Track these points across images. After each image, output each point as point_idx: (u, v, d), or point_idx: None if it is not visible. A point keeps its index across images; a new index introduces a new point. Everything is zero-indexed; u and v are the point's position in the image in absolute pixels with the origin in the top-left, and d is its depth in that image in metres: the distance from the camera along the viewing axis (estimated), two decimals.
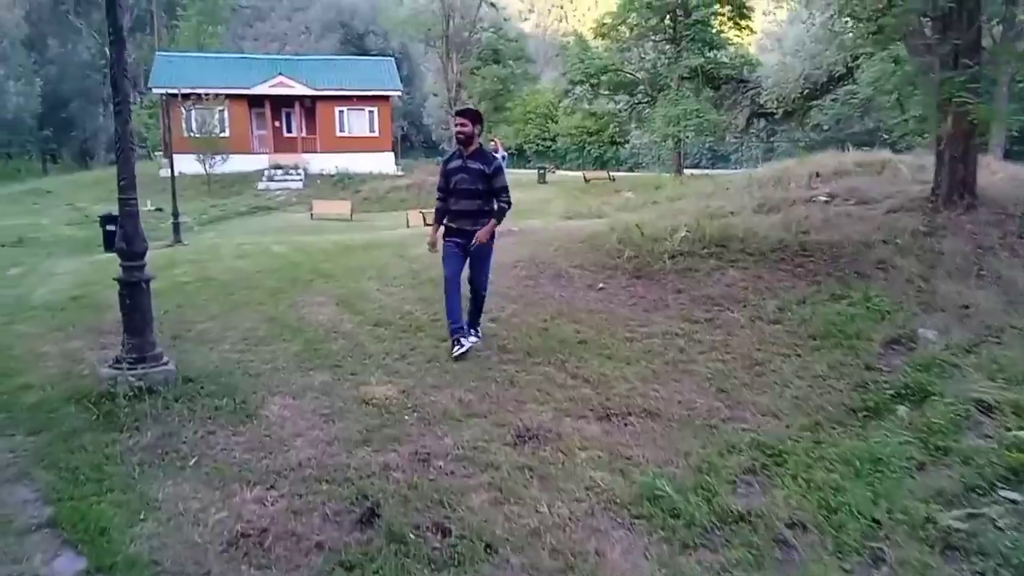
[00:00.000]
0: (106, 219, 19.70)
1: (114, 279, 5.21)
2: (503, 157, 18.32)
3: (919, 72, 8.41)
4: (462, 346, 5.66)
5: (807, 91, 29.98)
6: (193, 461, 3.86)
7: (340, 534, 3.13)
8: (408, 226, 23.86)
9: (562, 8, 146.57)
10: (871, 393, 4.77)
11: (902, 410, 4.39)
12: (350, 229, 24.86)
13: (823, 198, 8.67)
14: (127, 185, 5.21)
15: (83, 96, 55.87)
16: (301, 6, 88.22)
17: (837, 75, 30.08)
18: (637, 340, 5.91)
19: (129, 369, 5.00)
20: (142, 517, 3.27)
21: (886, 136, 28.30)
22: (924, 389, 4.62)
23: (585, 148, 54.56)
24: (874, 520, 3.15)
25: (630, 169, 48.55)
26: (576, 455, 3.93)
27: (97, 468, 3.76)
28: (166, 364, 5.24)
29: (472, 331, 5.97)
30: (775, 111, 30.60)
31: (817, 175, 13.06)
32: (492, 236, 5.88)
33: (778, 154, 46.66)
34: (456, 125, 5.95)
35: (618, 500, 3.44)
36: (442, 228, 5.97)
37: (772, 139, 41.58)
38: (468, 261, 5.89)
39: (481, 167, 5.78)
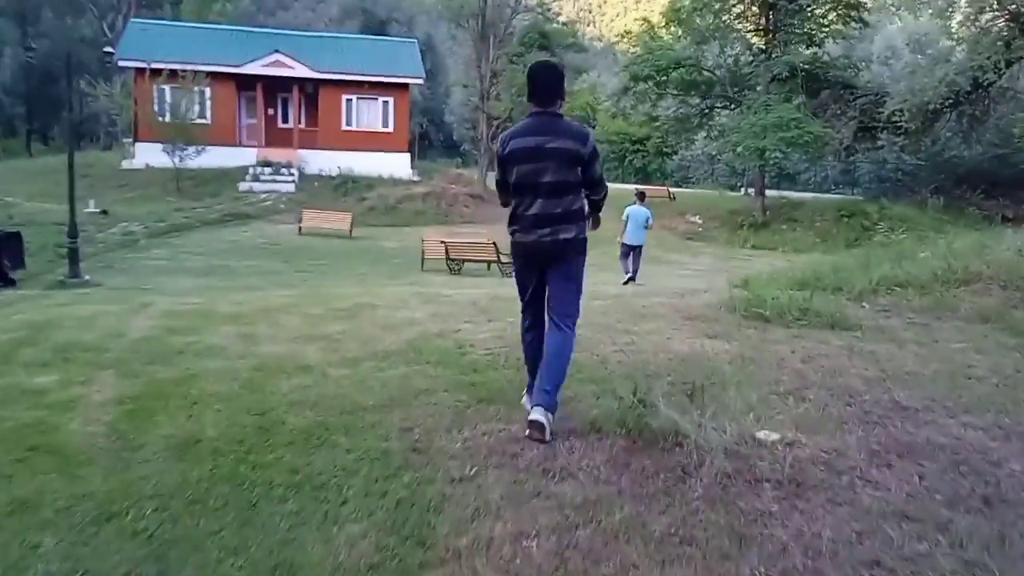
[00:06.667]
0: None
1: None
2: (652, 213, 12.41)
3: None
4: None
5: (950, 101, 23.14)
6: None
7: None
8: (423, 263, 17.05)
9: (590, 12, 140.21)
10: None
11: None
12: (343, 256, 18.16)
13: None
14: None
15: (79, 73, 49.88)
16: None
17: (986, 83, 23.37)
18: None
19: None
20: None
21: None
22: None
23: (626, 158, 47.83)
24: None
25: (676, 184, 42.01)
26: None
27: None
28: None
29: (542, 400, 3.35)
30: (903, 124, 23.64)
31: None
32: (583, 249, 3.52)
33: (858, 176, 39.86)
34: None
35: None
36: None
37: (851, 159, 34.78)
38: (549, 285, 3.53)
39: (573, 145, 3.33)
